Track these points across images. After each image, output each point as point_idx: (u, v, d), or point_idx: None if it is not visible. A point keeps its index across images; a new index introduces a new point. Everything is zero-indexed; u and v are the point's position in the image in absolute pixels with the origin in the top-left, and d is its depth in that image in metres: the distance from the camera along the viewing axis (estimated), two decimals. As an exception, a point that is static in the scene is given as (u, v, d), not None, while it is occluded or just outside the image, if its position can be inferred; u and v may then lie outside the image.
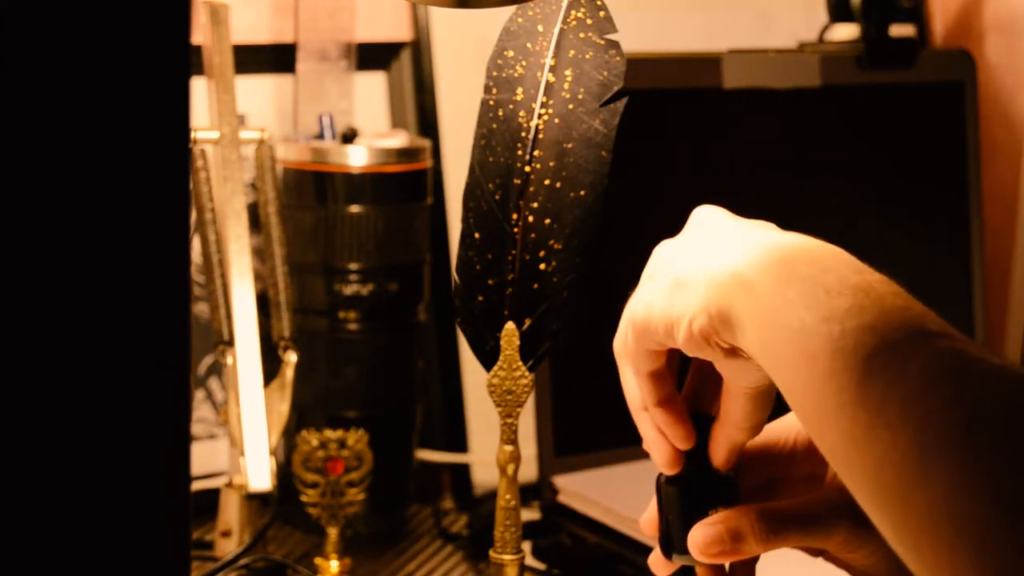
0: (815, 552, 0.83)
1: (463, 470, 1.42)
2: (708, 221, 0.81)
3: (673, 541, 0.81)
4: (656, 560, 0.83)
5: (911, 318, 0.70)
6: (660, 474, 0.82)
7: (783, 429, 0.83)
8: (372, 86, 1.43)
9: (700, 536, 0.79)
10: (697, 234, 0.80)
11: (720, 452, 0.80)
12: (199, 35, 1.22)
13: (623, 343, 0.81)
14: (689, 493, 0.80)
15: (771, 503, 0.79)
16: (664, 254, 0.80)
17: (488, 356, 0.92)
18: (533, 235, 0.91)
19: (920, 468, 0.63)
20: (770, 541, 0.79)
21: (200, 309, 1.33)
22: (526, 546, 1.03)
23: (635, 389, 0.82)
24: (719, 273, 0.74)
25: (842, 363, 0.67)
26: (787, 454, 0.82)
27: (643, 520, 0.84)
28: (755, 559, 0.82)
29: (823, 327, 0.68)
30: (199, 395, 1.37)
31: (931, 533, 0.63)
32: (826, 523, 0.79)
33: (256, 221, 1.25)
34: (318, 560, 1.17)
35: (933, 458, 0.63)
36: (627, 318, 0.80)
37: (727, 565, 0.83)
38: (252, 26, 1.38)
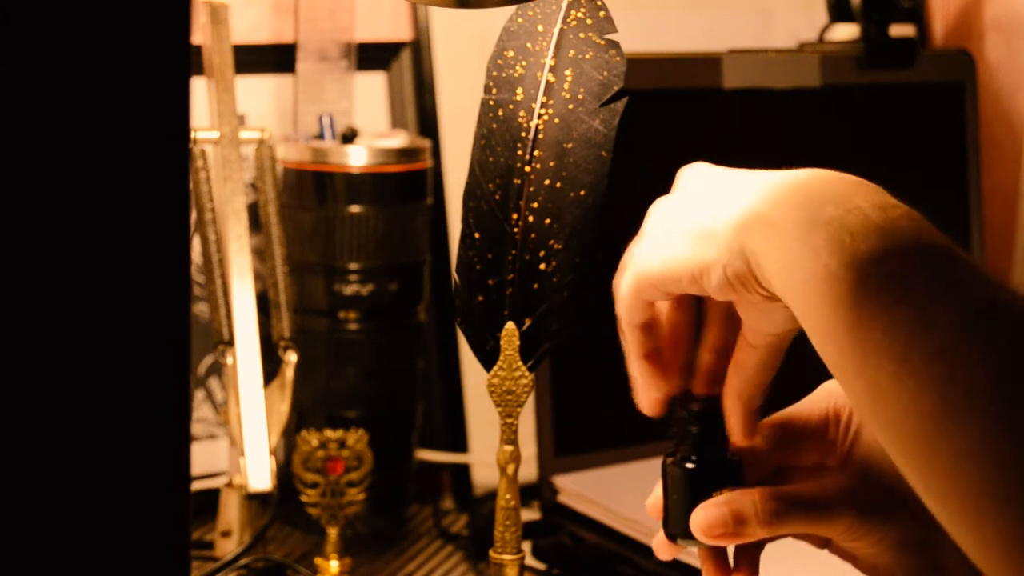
0: (820, 543, 0.83)
1: (463, 470, 1.42)
2: (707, 174, 0.81)
3: (677, 523, 0.81)
4: (660, 543, 0.83)
5: (938, 262, 0.68)
6: (666, 456, 0.82)
7: (791, 416, 0.83)
8: (372, 86, 1.43)
9: (703, 517, 0.79)
10: (701, 185, 0.80)
11: (735, 415, 0.80)
12: (199, 35, 1.22)
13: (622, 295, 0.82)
14: (694, 475, 0.80)
15: (776, 487, 0.79)
16: (670, 208, 0.80)
17: (488, 356, 0.92)
18: (533, 235, 0.91)
19: (946, 420, 0.63)
20: (773, 525, 0.78)
21: (200, 309, 1.33)
22: (526, 546, 1.03)
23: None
24: (745, 217, 0.74)
25: (868, 312, 0.67)
26: (794, 442, 0.82)
27: (649, 503, 0.84)
28: (759, 547, 0.82)
29: (848, 274, 0.68)
30: (199, 395, 1.37)
31: (956, 484, 0.63)
32: (831, 509, 0.79)
33: (256, 221, 1.25)
34: (318, 560, 1.17)
35: (959, 411, 0.63)
36: (635, 272, 0.80)
37: (730, 551, 0.83)
38: (252, 26, 1.38)
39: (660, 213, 0.80)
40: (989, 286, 0.67)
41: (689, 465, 0.81)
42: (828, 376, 0.74)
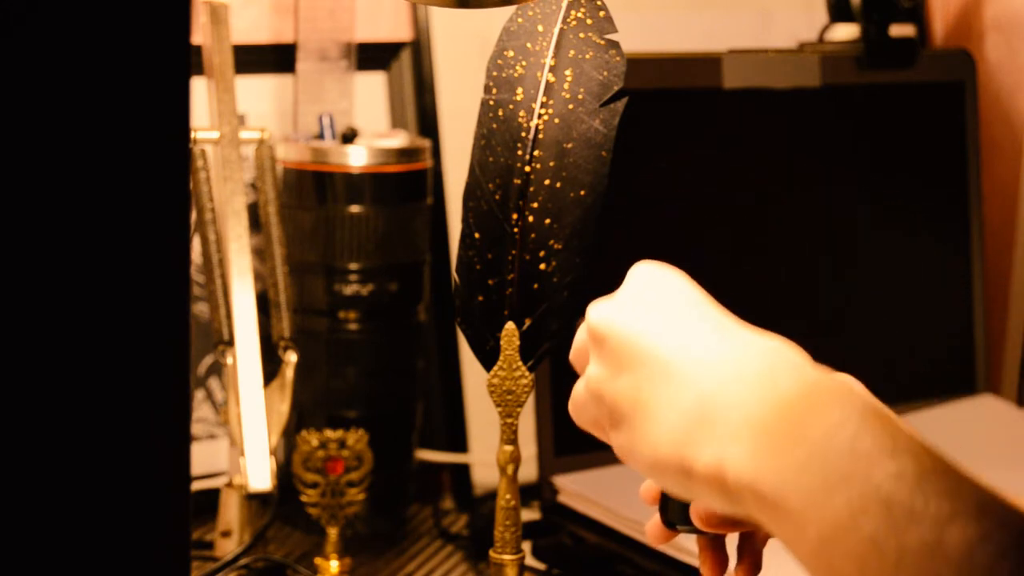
0: None
1: (463, 470, 1.42)
2: (689, 299, 0.76)
3: (676, 512, 0.81)
4: (655, 528, 0.83)
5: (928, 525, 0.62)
6: None
7: None
8: (372, 86, 1.43)
9: (704, 506, 0.79)
10: (685, 319, 0.75)
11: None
12: (199, 35, 1.22)
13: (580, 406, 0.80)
14: None
15: None
16: (637, 340, 0.75)
17: (488, 356, 0.92)
18: (533, 235, 0.91)
19: None
20: None
21: (200, 309, 1.33)
22: (526, 546, 1.03)
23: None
24: (727, 478, 0.69)
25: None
26: None
27: (643, 489, 0.84)
28: (763, 541, 0.82)
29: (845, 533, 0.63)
30: (199, 395, 1.37)
31: None
32: None
33: (256, 221, 1.25)
34: (318, 560, 1.17)
35: None
36: (626, 455, 0.77)
37: (732, 545, 0.83)
38: (252, 26, 1.38)
39: (623, 334, 0.75)
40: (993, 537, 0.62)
41: None
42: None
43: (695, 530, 0.81)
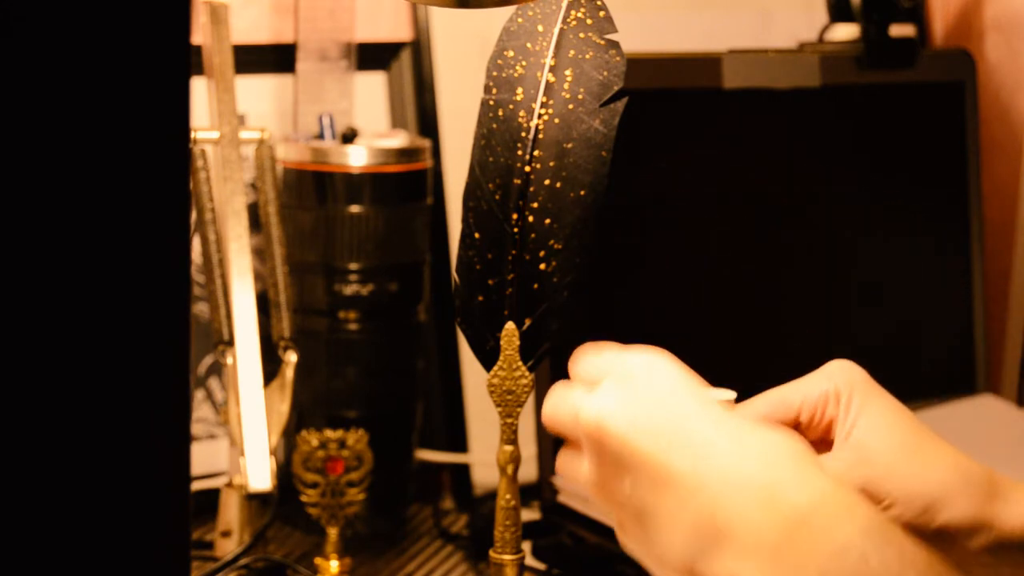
0: None
1: (463, 470, 1.42)
2: (684, 393, 0.76)
3: None
4: None
5: None
6: None
7: (792, 392, 0.83)
8: (372, 86, 1.43)
9: None
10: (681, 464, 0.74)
11: None
12: (199, 35, 1.22)
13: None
14: None
15: None
16: (637, 445, 0.74)
17: (488, 356, 0.92)
18: (533, 235, 0.91)
19: None
20: None
21: (200, 309, 1.33)
22: (526, 546, 1.03)
23: None
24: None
25: None
26: (792, 423, 0.83)
27: None
28: None
29: None
30: (199, 395, 1.37)
31: None
32: None
33: (256, 221, 1.25)
34: (318, 560, 1.17)
35: None
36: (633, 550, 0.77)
37: None
38: (252, 26, 1.38)
39: (632, 435, 0.75)
40: None
41: None
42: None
43: None
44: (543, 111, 0.91)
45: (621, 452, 0.75)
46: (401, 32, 1.44)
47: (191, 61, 0.57)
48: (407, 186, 1.30)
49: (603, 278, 1.32)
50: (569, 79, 0.92)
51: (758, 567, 0.68)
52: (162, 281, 0.56)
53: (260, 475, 1.15)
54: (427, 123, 1.43)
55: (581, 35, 0.92)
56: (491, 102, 0.92)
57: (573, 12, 0.92)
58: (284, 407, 1.19)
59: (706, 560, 0.71)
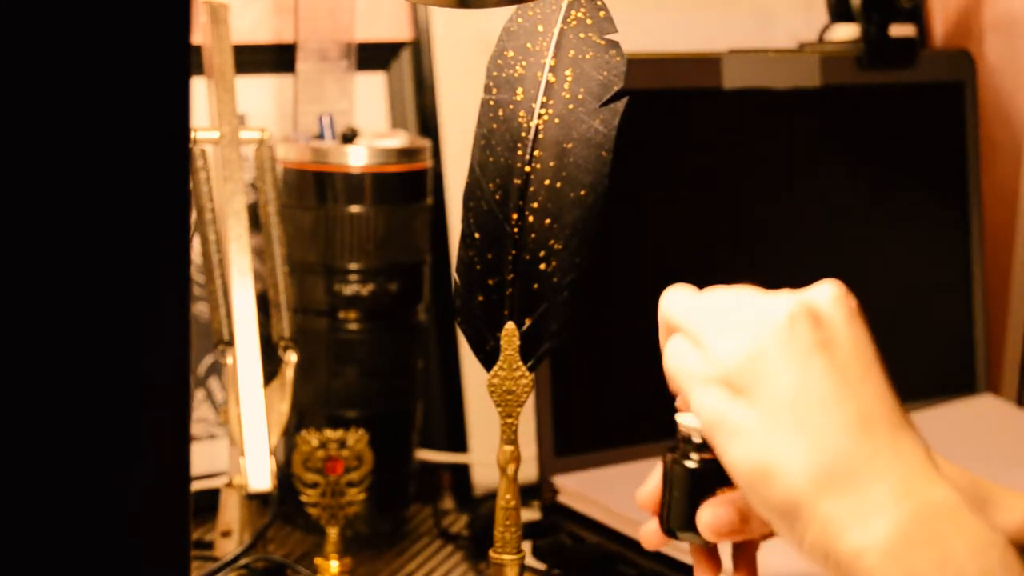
0: None
1: (463, 470, 1.42)
2: (819, 370, 0.75)
3: (677, 519, 0.82)
4: (650, 533, 0.83)
5: None
6: (667, 453, 0.83)
7: None
8: (372, 86, 1.43)
9: (710, 516, 0.79)
10: (807, 384, 0.75)
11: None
12: (199, 35, 1.22)
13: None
14: (696, 474, 0.81)
15: None
16: (760, 368, 0.75)
17: (488, 356, 0.92)
18: (533, 235, 0.91)
19: None
20: None
21: (200, 309, 1.33)
22: (526, 546, 1.03)
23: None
24: (843, 523, 0.72)
25: None
26: None
27: (640, 494, 0.84)
28: (755, 546, 0.83)
29: None
30: (199, 395, 1.37)
31: None
32: None
33: (256, 221, 1.25)
34: (318, 560, 1.17)
35: None
36: (721, 436, 0.77)
37: (724, 549, 0.83)
38: (252, 26, 1.38)
39: (746, 354, 0.75)
40: None
41: (690, 464, 0.81)
42: None
43: (694, 538, 0.82)
44: (543, 111, 0.91)
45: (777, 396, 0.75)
46: (401, 32, 1.44)
47: (191, 61, 0.56)
48: (407, 186, 1.30)
49: (603, 278, 1.32)
50: (569, 79, 0.92)
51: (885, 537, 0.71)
52: (162, 281, 0.56)
53: (260, 475, 1.15)
54: (427, 123, 1.43)
55: (581, 35, 0.92)
56: (491, 102, 0.92)
57: (573, 12, 0.92)
58: (284, 407, 1.19)
59: (831, 500, 0.72)
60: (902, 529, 0.71)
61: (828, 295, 0.77)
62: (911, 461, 0.73)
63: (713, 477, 0.81)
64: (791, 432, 0.73)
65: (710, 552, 0.84)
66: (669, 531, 0.83)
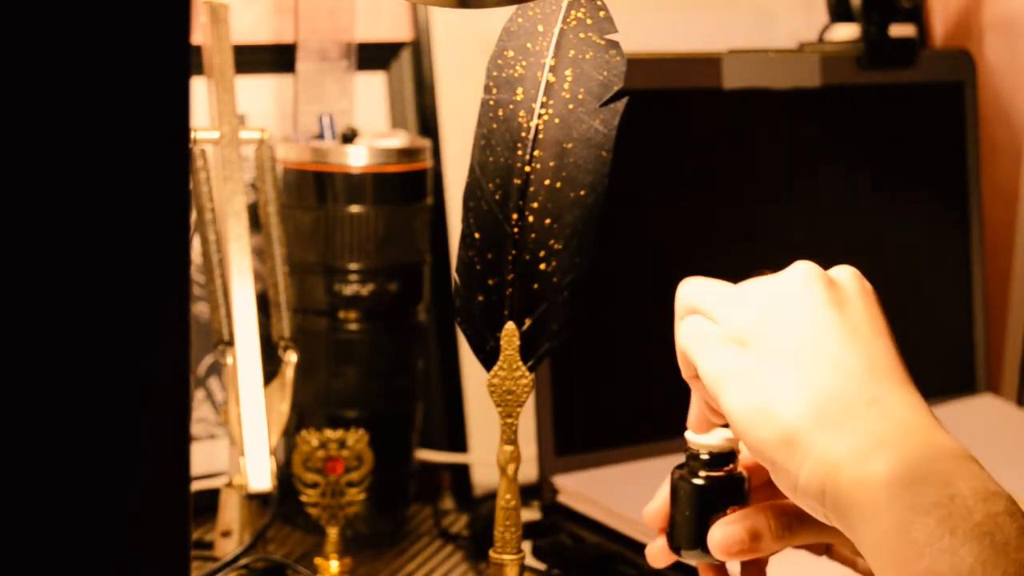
0: (820, 550, 0.83)
1: (463, 470, 1.42)
2: (829, 323, 0.75)
3: (686, 537, 0.81)
4: (657, 551, 0.83)
5: None
6: (675, 470, 0.82)
7: None
8: (372, 86, 1.43)
9: (721, 536, 0.79)
10: (822, 340, 0.75)
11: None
12: (199, 35, 1.22)
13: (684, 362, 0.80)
14: (705, 491, 0.81)
15: (783, 501, 0.79)
16: (776, 340, 0.75)
17: (488, 356, 0.92)
18: (533, 235, 0.91)
19: None
20: (785, 539, 0.79)
21: (200, 309, 1.33)
22: (526, 546, 1.03)
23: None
24: (841, 458, 0.71)
25: None
26: None
27: (648, 511, 0.84)
28: (765, 561, 0.83)
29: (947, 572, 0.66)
30: (199, 395, 1.37)
31: None
32: None
33: (256, 221, 1.25)
34: (318, 560, 1.17)
35: None
36: (717, 390, 0.76)
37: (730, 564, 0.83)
38: (252, 26, 1.38)
39: (763, 318, 0.76)
40: None
41: (698, 481, 0.81)
42: None
43: (703, 556, 0.81)
44: (543, 111, 0.91)
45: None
46: (401, 32, 1.44)
47: (191, 61, 0.56)
48: (407, 186, 1.30)
49: (603, 278, 1.32)
50: (569, 79, 0.92)
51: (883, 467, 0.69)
52: (162, 281, 0.56)
53: (260, 475, 1.15)
54: (427, 123, 1.43)
55: (581, 35, 0.92)
56: (491, 102, 0.92)
57: (573, 12, 0.92)
58: (284, 407, 1.19)
59: (831, 433, 0.71)
60: (905, 463, 0.69)
61: (846, 270, 0.78)
62: (918, 407, 0.72)
63: (722, 495, 0.81)
64: (792, 371, 0.73)
65: (719, 568, 0.84)
66: (676, 548, 0.83)
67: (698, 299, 0.79)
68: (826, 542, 0.82)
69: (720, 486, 0.81)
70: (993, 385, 1.58)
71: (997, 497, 0.67)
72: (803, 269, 0.77)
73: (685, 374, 0.80)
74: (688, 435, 0.82)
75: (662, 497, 0.83)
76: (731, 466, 0.81)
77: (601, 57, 0.92)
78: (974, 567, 0.65)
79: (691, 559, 0.83)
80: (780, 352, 0.74)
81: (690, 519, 0.81)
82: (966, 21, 1.64)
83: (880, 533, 0.68)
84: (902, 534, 0.67)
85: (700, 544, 0.81)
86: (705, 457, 0.81)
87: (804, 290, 0.76)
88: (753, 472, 0.82)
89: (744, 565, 0.83)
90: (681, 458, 0.83)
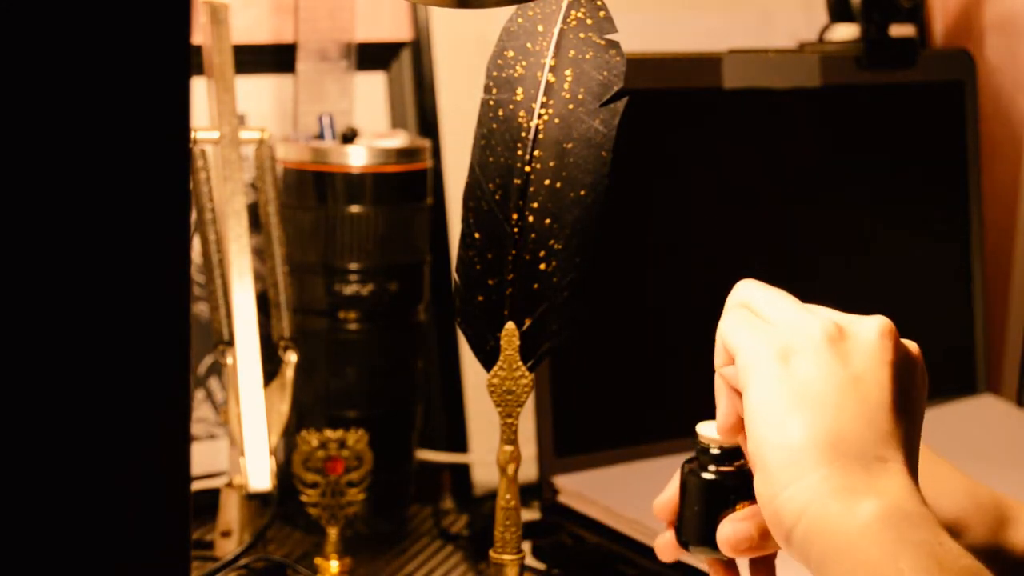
0: None
1: (463, 470, 1.42)
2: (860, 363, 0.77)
3: (693, 532, 0.81)
4: (664, 544, 0.83)
5: None
6: (685, 464, 0.82)
7: None
8: (372, 86, 1.43)
9: (731, 532, 0.79)
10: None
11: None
12: (199, 35, 1.22)
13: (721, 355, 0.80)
14: (714, 486, 0.81)
15: None
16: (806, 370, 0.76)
17: (488, 356, 0.92)
18: (533, 235, 0.91)
19: None
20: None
21: (200, 309, 1.33)
22: (526, 546, 1.03)
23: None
24: (834, 489, 0.72)
25: None
26: None
27: (657, 503, 0.84)
28: (774, 556, 0.83)
29: None
30: (199, 395, 1.37)
31: None
32: None
33: (256, 221, 1.25)
34: (318, 560, 1.17)
35: None
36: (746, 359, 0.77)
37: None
38: (252, 26, 1.38)
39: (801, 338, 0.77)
40: None
41: (707, 475, 0.81)
42: None
43: (711, 551, 0.81)
44: (543, 111, 0.91)
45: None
46: (401, 32, 1.44)
47: (191, 61, 0.56)
48: (407, 186, 1.30)
49: (603, 278, 1.32)
50: (569, 79, 0.92)
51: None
52: (162, 281, 0.56)
53: (260, 475, 1.15)
54: (427, 123, 1.43)
55: (581, 35, 0.92)
56: (491, 102, 0.92)
57: (573, 12, 0.92)
58: (284, 407, 1.19)
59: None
60: (897, 510, 0.71)
61: (920, 356, 0.80)
62: (915, 492, 0.73)
63: (731, 489, 0.81)
64: (824, 406, 0.74)
65: (727, 563, 0.83)
66: (684, 543, 0.82)
67: (756, 297, 0.80)
68: None
69: (730, 481, 0.81)
70: (993, 385, 1.58)
71: (982, 569, 0.69)
72: (883, 324, 0.79)
73: (717, 362, 0.80)
74: (699, 428, 0.82)
75: (671, 490, 0.83)
76: (741, 461, 0.81)
77: (601, 57, 0.92)
78: None
79: (699, 554, 0.82)
80: (821, 384, 0.75)
81: (699, 514, 0.81)
82: (966, 21, 1.64)
83: (860, 564, 0.69)
84: (890, 562, 0.68)
85: (709, 539, 0.81)
86: (715, 451, 0.81)
87: (877, 344, 0.77)
88: None
89: (753, 562, 0.83)
90: (688, 454, 0.83)
